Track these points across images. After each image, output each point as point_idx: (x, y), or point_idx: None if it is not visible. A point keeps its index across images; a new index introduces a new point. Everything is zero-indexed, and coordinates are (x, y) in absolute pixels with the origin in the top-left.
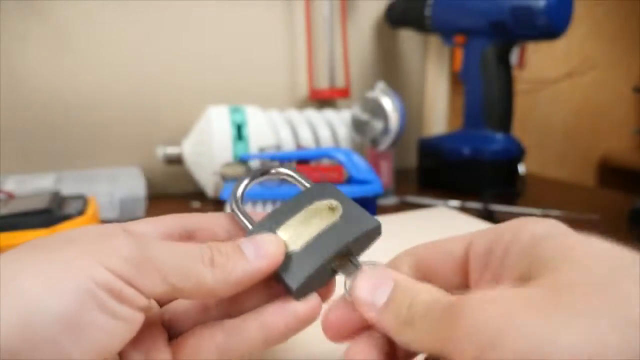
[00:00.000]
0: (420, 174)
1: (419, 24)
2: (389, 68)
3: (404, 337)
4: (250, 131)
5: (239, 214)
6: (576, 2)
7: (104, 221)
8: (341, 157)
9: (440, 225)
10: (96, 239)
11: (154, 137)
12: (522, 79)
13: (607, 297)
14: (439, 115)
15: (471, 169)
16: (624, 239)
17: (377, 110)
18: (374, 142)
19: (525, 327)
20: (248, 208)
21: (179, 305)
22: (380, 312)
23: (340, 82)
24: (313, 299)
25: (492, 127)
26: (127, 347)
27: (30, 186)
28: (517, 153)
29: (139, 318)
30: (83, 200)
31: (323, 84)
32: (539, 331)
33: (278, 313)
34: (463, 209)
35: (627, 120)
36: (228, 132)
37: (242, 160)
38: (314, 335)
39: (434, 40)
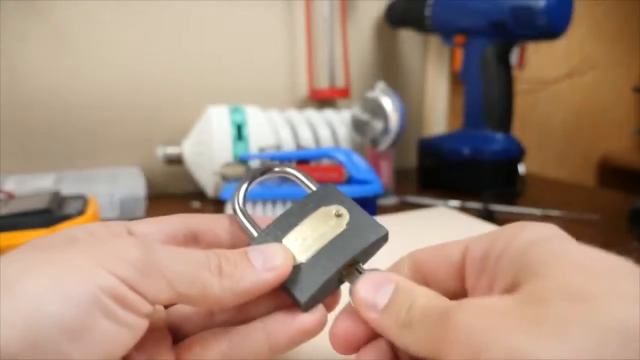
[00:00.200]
0: (420, 174)
1: (419, 24)
2: (389, 68)
3: (403, 340)
4: (250, 131)
5: (241, 216)
6: (576, 2)
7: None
8: (341, 157)
9: (440, 225)
10: (101, 241)
11: (154, 137)
12: (522, 79)
13: (584, 306)
14: (439, 115)
15: (471, 169)
16: (623, 239)
17: (377, 110)
18: (374, 142)
19: (507, 341)
20: (248, 208)
21: (184, 309)
22: (381, 313)
23: (340, 82)
24: (319, 310)
25: (492, 127)
26: (131, 351)
27: (30, 186)
28: (517, 153)
29: (142, 324)
30: (83, 200)
31: (323, 84)
32: (519, 345)
33: (284, 324)
34: (463, 209)
35: (627, 120)
36: (228, 132)
37: (242, 160)
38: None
39: (434, 40)
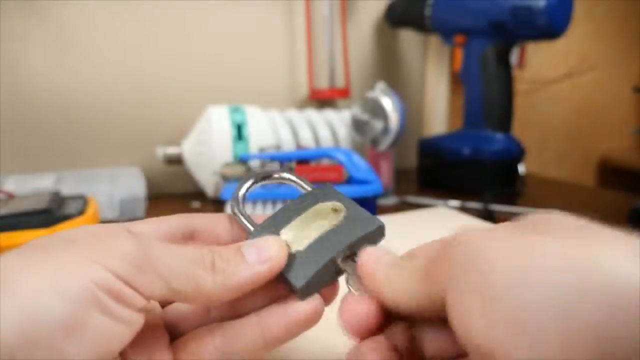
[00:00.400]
0: (420, 174)
1: (419, 24)
2: (389, 68)
3: (397, 292)
4: (250, 131)
5: (240, 216)
6: (576, 2)
7: (104, 221)
8: (341, 157)
9: (440, 225)
10: (98, 239)
11: (154, 137)
12: (522, 79)
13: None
14: (439, 115)
15: (471, 169)
16: None
17: (377, 110)
18: (374, 142)
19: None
20: (248, 208)
21: (181, 307)
22: (381, 274)
23: (340, 82)
24: (315, 300)
25: (492, 127)
26: (128, 349)
27: (30, 186)
28: (517, 153)
29: (138, 319)
30: (83, 200)
31: (323, 84)
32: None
33: (279, 315)
34: (463, 209)
35: (627, 120)
36: (228, 132)
37: (242, 160)
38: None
39: (434, 40)
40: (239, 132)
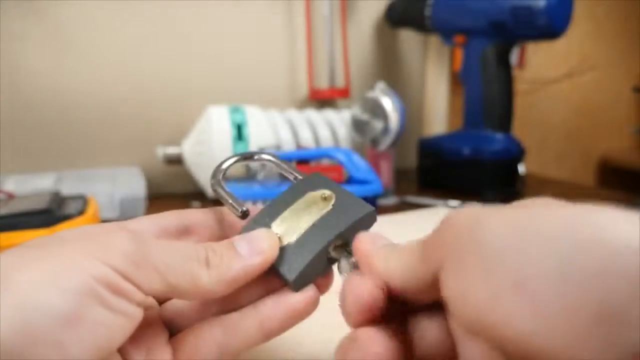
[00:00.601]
0: (420, 174)
1: (419, 24)
2: (389, 68)
3: (391, 271)
4: (250, 131)
5: (221, 192)
6: (576, 2)
7: (104, 221)
8: (341, 157)
9: None
10: (95, 236)
11: (154, 137)
12: (522, 79)
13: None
14: (439, 115)
15: (471, 169)
16: None
17: (377, 110)
18: (374, 142)
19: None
20: (248, 207)
21: (178, 303)
22: (376, 255)
23: (340, 82)
24: (309, 290)
25: (492, 127)
26: (127, 345)
27: (30, 186)
28: (517, 153)
29: (137, 313)
30: (83, 200)
31: (323, 84)
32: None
33: (275, 306)
34: None
35: (627, 120)
36: (228, 132)
37: None
38: (311, 334)
39: (434, 40)
40: (239, 132)
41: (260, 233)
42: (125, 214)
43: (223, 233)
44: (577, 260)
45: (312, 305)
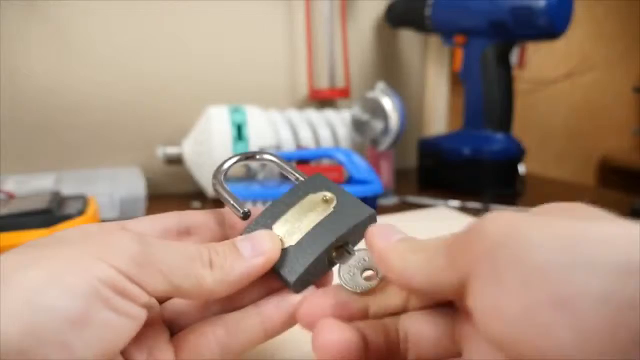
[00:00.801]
0: (420, 174)
1: (419, 24)
2: (389, 68)
3: (413, 268)
4: (250, 131)
5: (222, 192)
6: (576, 2)
7: (104, 221)
8: (341, 157)
9: (440, 225)
10: (98, 237)
11: (154, 137)
12: (522, 79)
13: None
14: (439, 115)
15: (471, 169)
16: None
17: (377, 110)
18: (374, 142)
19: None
20: (249, 208)
21: (179, 303)
22: (393, 246)
23: (340, 82)
24: (309, 291)
25: (492, 127)
26: (129, 346)
27: (30, 186)
28: (517, 153)
29: (142, 314)
30: (83, 200)
31: (323, 84)
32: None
33: (276, 306)
34: (463, 209)
35: (627, 120)
36: (228, 132)
37: None
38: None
39: (434, 40)
40: (239, 132)
41: (262, 234)
42: (125, 214)
43: (224, 234)
44: (623, 285)
45: None
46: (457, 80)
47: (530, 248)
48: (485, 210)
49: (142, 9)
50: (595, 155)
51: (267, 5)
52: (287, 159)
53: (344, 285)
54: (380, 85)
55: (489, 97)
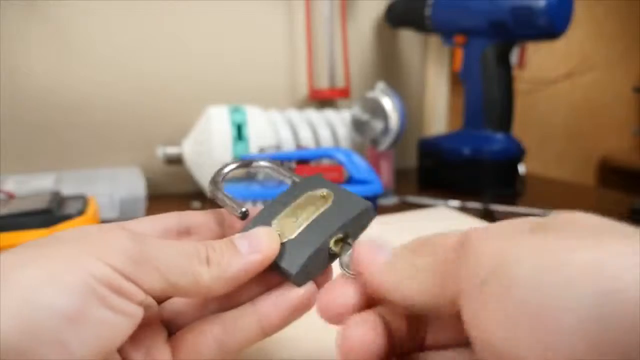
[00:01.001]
0: (420, 174)
1: (419, 24)
2: (389, 68)
3: (407, 291)
4: (250, 131)
5: (221, 197)
6: (576, 2)
7: (104, 221)
8: (341, 157)
9: (440, 225)
10: (95, 236)
11: (154, 137)
12: (522, 79)
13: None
14: (439, 115)
15: (471, 169)
16: None
17: (377, 110)
18: (374, 142)
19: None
20: (248, 208)
21: (177, 303)
22: (384, 266)
23: (340, 82)
24: (308, 286)
25: (492, 127)
26: (127, 346)
27: (30, 186)
28: (517, 153)
29: (138, 312)
30: (83, 200)
31: (323, 84)
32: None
33: (273, 302)
34: (463, 209)
35: (627, 120)
36: (228, 132)
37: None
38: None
39: (434, 40)
40: (239, 132)
41: (260, 231)
42: (125, 214)
43: (224, 234)
44: (602, 315)
45: (310, 301)
46: (457, 80)
47: (512, 276)
48: (485, 210)
49: (142, 9)
50: (595, 155)
51: (267, 5)
52: (287, 159)
53: (345, 272)
54: (380, 85)
55: (489, 97)
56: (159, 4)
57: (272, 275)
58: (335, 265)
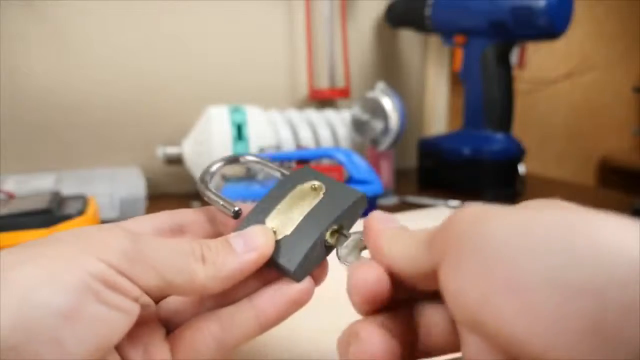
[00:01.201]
0: (420, 174)
1: (419, 24)
2: (389, 68)
3: (397, 257)
4: (251, 131)
5: (209, 195)
6: (576, 2)
7: (104, 221)
8: (341, 157)
9: None
10: (94, 236)
11: (154, 137)
12: (522, 79)
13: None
14: (439, 115)
15: (471, 169)
16: None
17: (377, 110)
18: (374, 142)
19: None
20: (249, 207)
21: (175, 302)
22: (386, 235)
23: (340, 82)
24: (306, 280)
25: (492, 127)
26: (124, 344)
27: (30, 186)
28: (517, 153)
29: (134, 309)
30: (83, 200)
31: (323, 84)
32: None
33: (270, 297)
34: None
35: (627, 120)
36: (228, 132)
37: None
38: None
39: (434, 40)
40: (239, 132)
41: (255, 229)
42: (125, 214)
43: (217, 231)
44: (573, 272)
45: (307, 295)
46: (457, 80)
47: (487, 236)
48: None
49: (142, 9)
50: (595, 155)
51: (267, 5)
52: (287, 159)
53: (345, 263)
54: (380, 85)
55: (489, 97)
56: (159, 3)
57: (269, 270)
58: (332, 258)
